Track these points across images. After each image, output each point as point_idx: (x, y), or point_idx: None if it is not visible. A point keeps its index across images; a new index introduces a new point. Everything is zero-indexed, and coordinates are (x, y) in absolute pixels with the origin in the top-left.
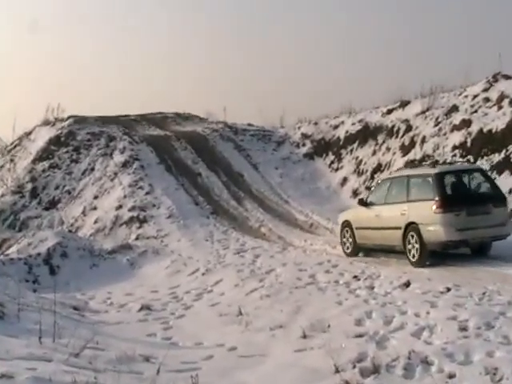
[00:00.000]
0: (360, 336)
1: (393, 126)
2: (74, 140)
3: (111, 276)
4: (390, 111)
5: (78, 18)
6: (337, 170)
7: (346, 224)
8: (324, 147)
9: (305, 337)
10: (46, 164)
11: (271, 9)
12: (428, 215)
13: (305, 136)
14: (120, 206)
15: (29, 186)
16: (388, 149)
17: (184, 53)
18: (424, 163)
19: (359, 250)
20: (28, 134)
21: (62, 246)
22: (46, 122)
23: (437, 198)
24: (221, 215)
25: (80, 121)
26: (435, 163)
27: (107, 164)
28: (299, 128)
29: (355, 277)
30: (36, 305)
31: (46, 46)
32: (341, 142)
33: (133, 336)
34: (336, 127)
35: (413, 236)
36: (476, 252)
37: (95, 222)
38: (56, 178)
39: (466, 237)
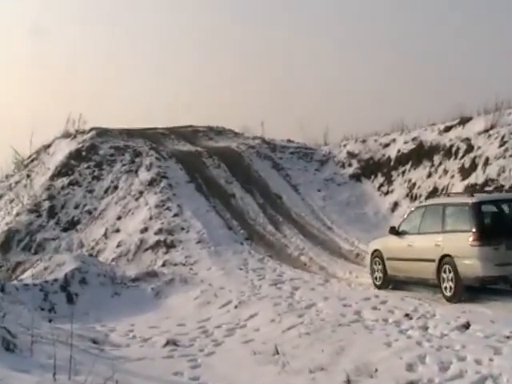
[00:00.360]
0: (412, 383)
1: (451, 146)
2: (96, 155)
3: (134, 306)
4: (448, 129)
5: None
6: (387, 193)
7: (377, 254)
8: (373, 168)
9: (349, 382)
10: (65, 180)
11: (319, 18)
12: (464, 248)
13: (351, 155)
14: (145, 229)
15: (46, 205)
16: (445, 171)
17: (217, 63)
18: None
19: (390, 282)
20: (46, 147)
21: (81, 272)
22: (66, 135)
23: (474, 230)
24: (256, 241)
25: (103, 133)
26: (473, 192)
27: (132, 182)
28: (345, 146)
29: (407, 315)
30: (51, 336)
31: (63, 53)
32: (391, 163)
33: (157, 374)
34: (386, 146)
35: (447, 269)
36: None
37: (118, 245)
38: (76, 197)
39: (505, 273)
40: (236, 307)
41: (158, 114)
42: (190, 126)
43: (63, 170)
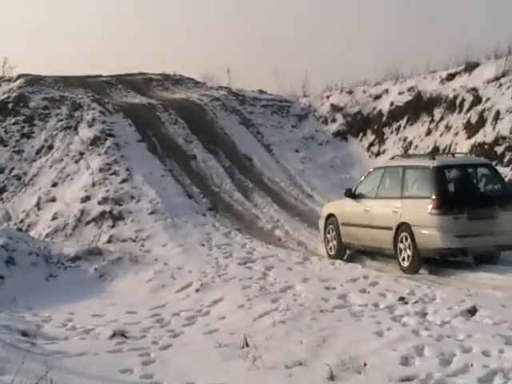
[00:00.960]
0: (407, 380)
1: (455, 97)
2: (25, 107)
3: (74, 291)
4: (451, 77)
5: None
6: (378, 154)
7: (331, 219)
8: (361, 124)
9: (332, 378)
10: None
11: None
12: (423, 216)
13: (335, 108)
14: (87, 198)
15: None
16: (448, 127)
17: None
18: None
19: (345, 251)
20: None
21: (7, 250)
22: None
23: (434, 197)
24: (222, 212)
25: (34, 81)
26: (435, 154)
27: (70, 141)
28: (327, 98)
29: (401, 299)
30: None
31: None
32: (384, 118)
33: (101, 372)
34: (377, 97)
35: (405, 238)
36: (480, 261)
37: (53, 217)
38: (1, 158)
39: (465, 245)
40: (197, 291)
41: (102, 60)
42: (141, 74)
43: None
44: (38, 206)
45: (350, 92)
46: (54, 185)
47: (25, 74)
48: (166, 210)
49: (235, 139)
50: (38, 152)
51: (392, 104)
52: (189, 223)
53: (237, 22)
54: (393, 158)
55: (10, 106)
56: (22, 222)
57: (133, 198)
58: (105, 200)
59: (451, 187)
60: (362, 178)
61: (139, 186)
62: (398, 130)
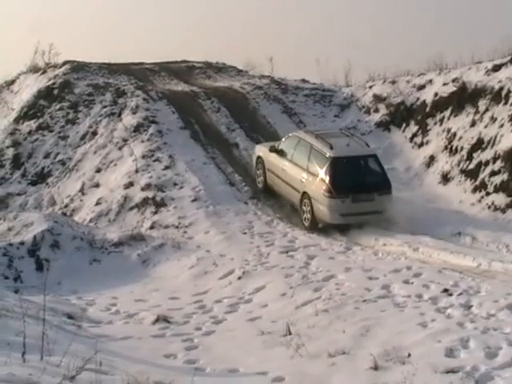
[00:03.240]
0: (452, 372)
1: (501, 89)
2: (70, 94)
3: (117, 275)
4: (497, 68)
5: None
6: (421, 145)
7: (260, 160)
8: (404, 114)
9: (376, 368)
10: (33, 124)
11: None
12: (319, 194)
13: (378, 99)
14: (130, 184)
15: (10, 153)
16: (493, 119)
17: None
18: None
19: (269, 187)
20: (9, 83)
21: (52, 234)
22: (35, 69)
23: (327, 182)
24: (263, 201)
25: (79, 68)
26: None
27: (114, 127)
28: (370, 88)
29: (446, 290)
30: (18, 310)
31: None
32: (427, 109)
33: (145, 356)
34: (421, 88)
35: (307, 204)
36: None
37: (97, 203)
38: (46, 144)
39: (347, 221)
40: (239, 278)
41: (146, 48)
42: (184, 62)
43: (30, 111)
44: (82, 191)
45: (393, 82)
46: (98, 171)
47: (70, 60)
48: (209, 198)
49: (277, 128)
50: (83, 138)
51: (436, 95)
52: (231, 211)
53: (278, 10)
54: (306, 132)
55: (56, 92)
56: (66, 206)
57: (175, 184)
58: (148, 186)
59: (341, 175)
60: (284, 138)
61: (182, 173)
62: (441, 121)
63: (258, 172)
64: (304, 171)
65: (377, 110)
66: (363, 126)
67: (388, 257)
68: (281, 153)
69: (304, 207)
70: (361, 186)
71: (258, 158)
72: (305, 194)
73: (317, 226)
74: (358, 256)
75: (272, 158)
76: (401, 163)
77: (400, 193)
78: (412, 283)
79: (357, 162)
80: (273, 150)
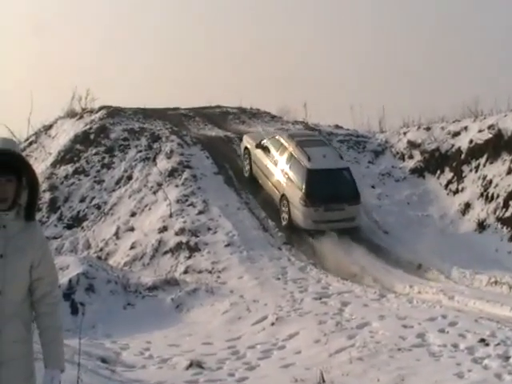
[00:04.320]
0: None
1: None
2: (106, 138)
3: (151, 320)
4: None
5: None
6: (456, 192)
7: (246, 151)
8: (439, 161)
9: None
10: (69, 168)
11: None
12: (296, 200)
13: (412, 145)
14: (164, 228)
15: (47, 197)
16: None
17: (250, 37)
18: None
19: (254, 177)
20: (47, 128)
21: (87, 278)
22: (72, 114)
23: (303, 192)
24: (297, 246)
25: (115, 113)
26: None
27: (149, 172)
28: (405, 134)
29: (482, 340)
30: None
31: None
32: (462, 155)
33: None
34: (456, 135)
35: (285, 205)
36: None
37: (132, 247)
38: (82, 188)
39: (320, 228)
40: (273, 324)
41: (180, 93)
42: (218, 107)
43: (67, 155)
44: (116, 235)
45: (428, 128)
46: (133, 215)
47: (106, 105)
48: (242, 243)
49: None
50: (118, 182)
51: (471, 141)
52: (264, 256)
53: (314, 57)
54: (289, 135)
55: (92, 136)
56: (101, 250)
57: (209, 229)
58: (182, 231)
59: (316, 186)
60: (267, 139)
61: (216, 218)
62: (477, 168)
63: (245, 162)
64: (284, 175)
65: (411, 157)
66: (397, 172)
67: (423, 305)
68: (266, 150)
69: (283, 207)
70: (333, 197)
71: (245, 148)
72: (284, 196)
73: (292, 227)
74: (393, 303)
75: (257, 153)
76: (436, 210)
77: (436, 240)
78: (447, 332)
79: (331, 174)
80: (259, 146)
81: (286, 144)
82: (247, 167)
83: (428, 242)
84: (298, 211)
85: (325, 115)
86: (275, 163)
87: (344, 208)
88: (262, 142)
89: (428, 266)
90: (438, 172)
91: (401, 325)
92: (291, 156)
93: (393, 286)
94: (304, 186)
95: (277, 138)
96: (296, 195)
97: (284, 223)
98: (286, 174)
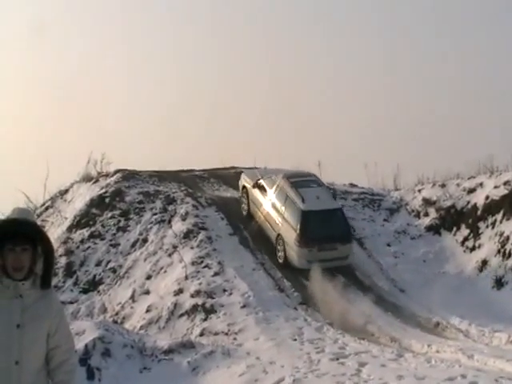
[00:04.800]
0: None
1: None
2: (121, 202)
3: (167, 383)
4: None
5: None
6: (473, 249)
7: (244, 190)
8: (455, 218)
9: None
10: (85, 232)
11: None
12: (291, 240)
13: (428, 202)
14: (180, 291)
15: (63, 261)
16: None
17: (263, 98)
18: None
19: (252, 215)
20: (63, 192)
21: (103, 342)
22: (87, 178)
23: (298, 232)
24: (313, 306)
25: (130, 177)
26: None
27: (164, 234)
28: (419, 191)
29: None
30: None
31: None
32: (478, 212)
33: None
34: (471, 191)
35: (281, 243)
36: None
37: (147, 310)
38: (98, 252)
39: (313, 267)
40: None
41: (193, 155)
42: (233, 168)
43: (83, 219)
44: (132, 298)
45: (443, 185)
46: (148, 277)
47: (121, 169)
48: (258, 304)
49: None
50: (133, 245)
51: (487, 198)
52: (280, 317)
53: (327, 116)
54: (284, 176)
55: (107, 200)
56: (117, 314)
57: (225, 291)
58: (197, 293)
59: (310, 227)
60: (264, 179)
61: (231, 279)
62: (493, 224)
63: (243, 199)
64: (280, 215)
65: (427, 214)
66: (413, 230)
67: (441, 364)
68: (262, 190)
69: (279, 246)
70: (326, 237)
71: (243, 187)
72: (279, 236)
73: (287, 265)
74: (411, 363)
75: (254, 193)
76: (452, 267)
77: (453, 298)
78: None
79: (324, 215)
80: (255, 185)
81: (281, 185)
82: (245, 206)
83: (445, 299)
84: (292, 251)
85: (339, 173)
86: (271, 203)
87: (337, 247)
88: (259, 182)
89: (446, 324)
90: (454, 229)
91: None
92: (286, 197)
93: (410, 345)
94: (298, 227)
95: (273, 178)
96: (291, 236)
97: (280, 261)
98: (282, 214)
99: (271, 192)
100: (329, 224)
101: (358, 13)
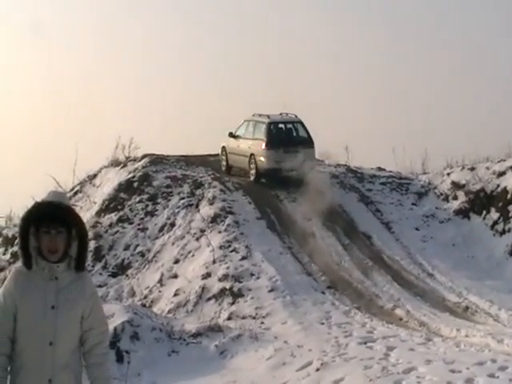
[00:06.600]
0: None
1: None
2: (149, 186)
3: (195, 367)
4: None
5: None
6: (502, 233)
7: (223, 149)
8: (484, 202)
9: None
10: (113, 217)
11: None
12: (260, 149)
13: (456, 186)
14: (208, 275)
15: (92, 246)
16: None
17: (291, 81)
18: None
19: (230, 168)
20: (92, 177)
21: (132, 325)
22: (115, 163)
23: (265, 139)
24: (341, 290)
25: (158, 161)
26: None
27: (192, 218)
28: (448, 175)
29: None
30: None
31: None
32: (508, 196)
33: None
34: (501, 175)
35: (252, 163)
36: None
37: (175, 294)
38: (126, 236)
39: (280, 166)
40: (318, 370)
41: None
42: None
43: (111, 204)
44: (160, 282)
45: (472, 169)
46: (176, 261)
47: (149, 153)
48: (286, 288)
49: (354, 217)
50: (161, 229)
51: None
52: (308, 301)
53: (354, 99)
54: (253, 115)
55: (135, 185)
56: (145, 297)
57: (252, 275)
58: (225, 277)
59: (275, 134)
60: (239, 125)
61: (258, 263)
62: None
63: (222, 158)
64: (250, 140)
65: (455, 198)
66: (442, 213)
67: (471, 348)
68: (236, 136)
69: (251, 165)
70: (289, 142)
71: (222, 148)
72: (251, 155)
73: (259, 179)
74: (439, 347)
75: (230, 142)
76: (481, 251)
77: (482, 282)
78: (498, 377)
79: (287, 125)
80: (231, 135)
81: (251, 119)
82: (224, 162)
83: (474, 284)
84: (262, 157)
85: (367, 158)
86: (244, 137)
87: (299, 150)
88: (233, 132)
89: (475, 308)
90: (484, 212)
91: (448, 369)
92: (255, 122)
93: (439, 330)
94: (265, 135)
95: (244, 120)
96: (260, 146)
97: (252, 178)
98: (252, 137)
99: (243, 130)
100: (291, 132)
101: None
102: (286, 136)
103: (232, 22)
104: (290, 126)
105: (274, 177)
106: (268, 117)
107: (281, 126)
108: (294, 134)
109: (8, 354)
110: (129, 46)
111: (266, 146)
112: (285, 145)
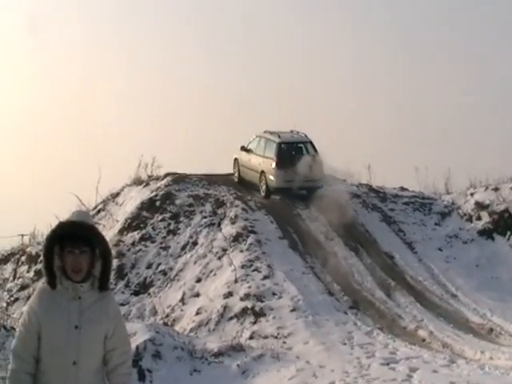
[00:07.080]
0: None
1: None
2: (172, 205)
3: None
4: None
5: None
6: None
7: (236, 161)
8: (508, 222)
9: None
10: (136, 235)
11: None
12: (270, 168)
13: (480, 206)
14: (230, 294)
15: (114, 264)
16: None
17: (315, 99)
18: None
19: (243, 180)
20: (115, 196)
21: (154, 344)
22: (138, 182)
23: (275, 159)
24: (363, 310)
25: (180, 180)
26: (281, 133)
27: (214, 237)
28: (472, 195)
29: None
30: None
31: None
32: None
33: None
34: None
35: (263, 179)
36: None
37: (197, 312)
38: (149, 254)
39: (289, 185)
40: None
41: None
42: None
43: (134, 222)
44: (182, 300)
45: (496, 189)
46: (198, 280)
47: (171, 172)
48: (308, 308)
49: (376, 236)
50: (183, 248)
51: None
52: (330, 321)
53: (376, 119)
54: (265, 132)
55: (158, 203)
56: (167, 316)
57: (274, 294)
58: (247, 296)
59: (285, 153)
60: (251, 139)
61: (280, 283)
62: None
63: (235, 170)
64: (261, 157)
65: (479, 218)
66: (465, 234)
67: (495, 371)
68: (248, 150)
69: (261, 182)
70: (299, 160)
71: (235, 159)
72: (262, 172)
73: (269, 196)
74: (463, 370)
75: (242, 155)
76: (506, 272)
77: (506, 303)
78: None
79: (297, 145)
80: (243, 149)
81: (262, 136)
82: (236, 173)
83: (499, 305)
84: (272, 176)
85: (389, 177)
86: (255, 152)
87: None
88: (245, 146)
89: (500, 330)
90: (508, 233)
91: None
92: (266, 140)
93: (463, 352)
94: (275, 154)
95: (256, 136)
96: (270, 165)
97: (263, 194)
98: (263, 154)
99: (254, 145)
100: (302, 152)
101: None
102: (296, 156)
103: (253, 35)
104: (300, 145)
105: (286, 193)
106: (279, 136)
107: (291, 145)
108: (303, 153)
109: (32, 372)
110: (155, 70)
111: (277, 165)
112: (294, 165)
